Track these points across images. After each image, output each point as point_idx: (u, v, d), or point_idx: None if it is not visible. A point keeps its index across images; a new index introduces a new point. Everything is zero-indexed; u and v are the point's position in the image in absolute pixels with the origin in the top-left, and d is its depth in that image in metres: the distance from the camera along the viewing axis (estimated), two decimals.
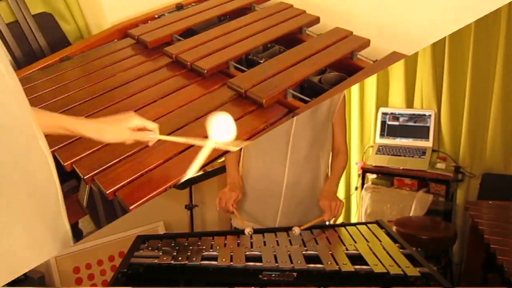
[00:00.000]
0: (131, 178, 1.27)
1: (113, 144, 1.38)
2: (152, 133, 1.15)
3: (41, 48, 2.20)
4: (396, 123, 2.73)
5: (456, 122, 2.56)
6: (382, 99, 2.79)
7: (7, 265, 0.85)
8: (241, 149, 1.64)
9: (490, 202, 2.05)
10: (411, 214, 2.51)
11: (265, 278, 1.14)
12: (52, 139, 1.39)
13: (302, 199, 1.59)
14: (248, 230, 1.41)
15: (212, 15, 2.18)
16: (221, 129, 1.14)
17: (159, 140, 1.19)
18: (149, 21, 2.19)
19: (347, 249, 1.27)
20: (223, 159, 1.48)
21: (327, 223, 1.54)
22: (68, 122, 1.07)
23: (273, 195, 1.58)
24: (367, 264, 1.16)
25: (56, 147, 1.39)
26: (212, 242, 1.35)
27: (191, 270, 1.20)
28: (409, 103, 2.73)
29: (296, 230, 1.42)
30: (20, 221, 0.84)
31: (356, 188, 2.83)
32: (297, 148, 1.55)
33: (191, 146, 1.38)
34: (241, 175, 1.64)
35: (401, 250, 1.26)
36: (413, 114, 2.69)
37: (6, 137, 0.77)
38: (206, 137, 1.15)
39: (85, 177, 1.29)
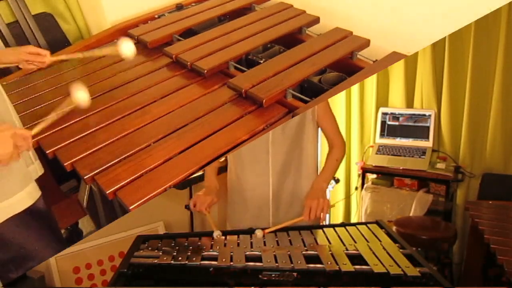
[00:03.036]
0: (131, 178, 1.27)
1: (113, 144, 1.40)
2: (45, 57, 1.46)
3: (41, 48, 2.20)
4: (396, 123, 2.73)
5: (456, 122, 2.56)
6: (382, 99, 2.79)
7: None
8: (226, 158, 1.65)
9: (490, 202, 2.05)
10: (411, 214, 2.51)
11: (265, 278, 1.14)
12: (52, 139, 1.41)
13: (290, 204, 1.61)
14: (216, 234, 1.40)
15: (212, 15, 2.18)
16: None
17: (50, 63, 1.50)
18: (149, 21, 2.19)
19: (347, 249, 1.27)
20: (223, 159, 1.48)
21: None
22: None
23: (262, 206, 1.60)
24: (367, 264, 1.16)
25: (56, 147, 1.39)
26: (212, 242, 1.35)
27: (191, 270, 1.20)
28: (409, 103, 2.72)
29: (259, 233, 1.38)
30: None
31: (356, 188, 2.83)
32: (277, 155, 1.56)
33: (192, 146, 1.38)
34: (229, 186, 1.67)
35: (401, 250, 1.26)
36: (413, 114, 2.69)
37: None
38: None
39: (85, 177, 1.29)
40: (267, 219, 1.60)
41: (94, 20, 2.31)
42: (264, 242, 1.35)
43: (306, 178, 1.61)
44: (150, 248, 1.32)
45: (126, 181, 1.26)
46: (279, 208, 1.60)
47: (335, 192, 2.91)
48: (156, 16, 2.24)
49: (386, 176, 2.68)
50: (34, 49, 1.47)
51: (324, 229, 1.45)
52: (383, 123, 2.75)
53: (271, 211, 1.60)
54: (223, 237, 1.40)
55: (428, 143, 2.65)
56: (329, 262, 1.17)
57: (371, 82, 2.77)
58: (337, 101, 2.80)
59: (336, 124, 1.67)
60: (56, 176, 1.98)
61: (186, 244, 1.34)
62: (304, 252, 1.24)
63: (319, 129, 1.66)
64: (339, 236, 1.38)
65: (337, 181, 2.29)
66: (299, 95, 1.58)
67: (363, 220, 2.66)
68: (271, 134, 1.53)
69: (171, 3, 2.33)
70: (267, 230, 1.39)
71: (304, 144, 1.60)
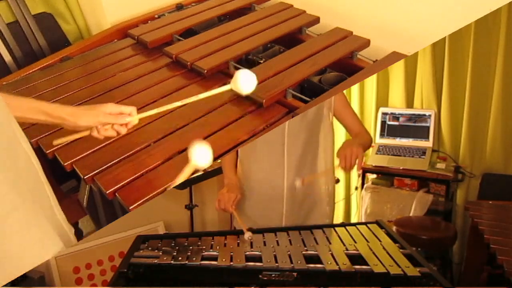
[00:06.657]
0: (131, 178, 1.27)
1: (113, 144, 1.40)
2: (129, 117, 1.12)
3: (41, 48, 2.20)
4: (396, 123, 2.73)
5: (456, 122, 2.56)
6: (382, 99, 2.79)
7: (7, 264, 0.86)
8: (237, 150, 1.63)
9: (490, 202, 2.05)
10: (411, 214, 2.51)
11: (265, 278, 1.14)
12: (52, 139, 1.40)
13: (304, 199, 1.59)
14: (248, 235, 1.36)
15: (212, 15, 2.18)
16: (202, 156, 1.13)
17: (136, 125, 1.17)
18: (149, 21, 2.19)
19: (347, 249, 1.27)
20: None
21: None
22: (46, 105, 1.10)
23: (275, 199, 1.58)
24: (367, 264, 1.16)
25: (56, 147, 1.39)
26: (212, 242, 1.35)
27: (191, 270, 1.20)
28: (409, 103, 2.73)
29: (298, 183, 1.49)
30: (17, 222, 0.85)
31: (356, 188, 2.83)
32: (292, 148, 1.54)
33: None
34: (240, 178, 1.64)
35: (401, 250, 1.26)
36: (413, 114, 2.69)
37: None
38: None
39: (85, 177, 1.29)
40: (280, 212, 1.58)
41: (94, 20, 2.30)
42: (264, 242, 1.35)
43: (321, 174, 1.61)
44: (150, 248, 1.32)
45: (126, 181, 1.26)
46: (294, 202, 1.58)
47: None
48: (156, 16, 2.24)
49: (386, 176, 2.68)
50: (116, 108, 1.11)
51: (324, 229, 1.45)
52: (383, 123, 2.75)
53: (285, 205, 1.57)
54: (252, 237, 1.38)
55: (428, 143, 2.65)
56: (329, 262, 1.17)
57: (371, 82, 2.77)
58: None
59: (356, 116, 1.66)
60: (56, 176, 1.98)
61: (186, 244, 1.34)
62: (304, 252, 1.24)
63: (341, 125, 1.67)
64: (339, 236, 1.38)
65: (337, 181, 2.29)
66: (299, 95, 1.58)
67: (363, 220, 2.66)
68: (287, 126, 1.51)
69: (171, 3, 2.33)
70: (306, 179, 1.53)
71: (320, 140, 1.59)
